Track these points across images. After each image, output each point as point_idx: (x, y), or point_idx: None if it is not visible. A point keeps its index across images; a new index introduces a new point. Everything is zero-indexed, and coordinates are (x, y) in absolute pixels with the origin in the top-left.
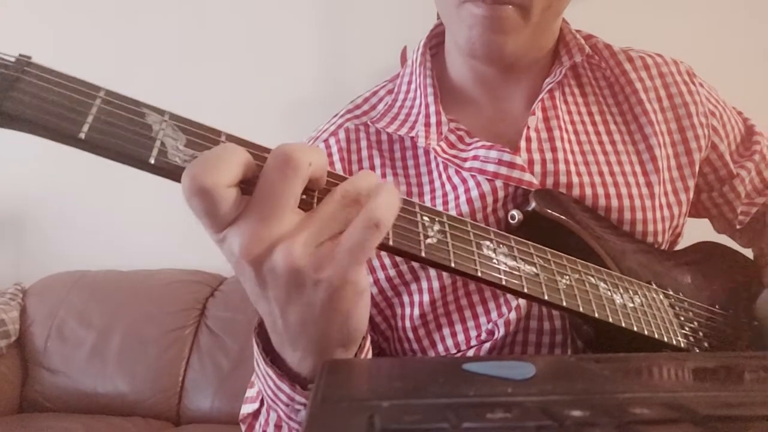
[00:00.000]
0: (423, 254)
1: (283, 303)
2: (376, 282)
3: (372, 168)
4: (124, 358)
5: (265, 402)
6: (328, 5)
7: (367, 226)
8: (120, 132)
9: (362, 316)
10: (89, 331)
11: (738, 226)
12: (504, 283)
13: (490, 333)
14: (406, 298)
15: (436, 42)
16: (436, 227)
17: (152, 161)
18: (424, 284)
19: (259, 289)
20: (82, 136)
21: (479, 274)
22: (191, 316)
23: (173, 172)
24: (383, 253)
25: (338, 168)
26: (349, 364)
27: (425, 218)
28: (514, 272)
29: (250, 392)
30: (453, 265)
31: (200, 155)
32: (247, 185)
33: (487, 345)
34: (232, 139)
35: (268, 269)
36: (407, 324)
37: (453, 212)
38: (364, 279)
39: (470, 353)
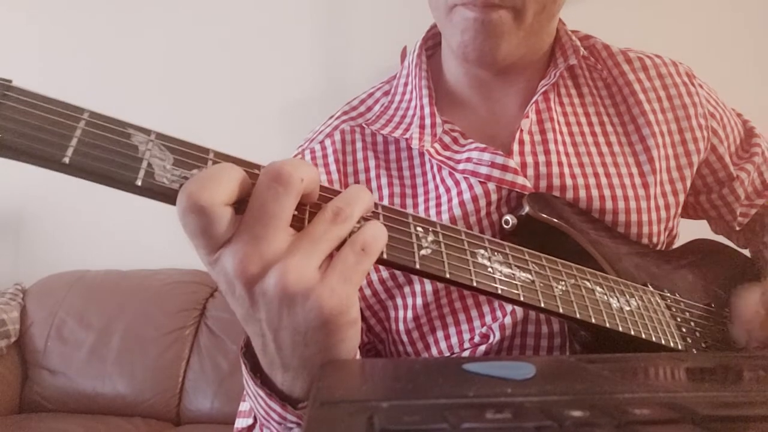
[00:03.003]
0: (418, 266)
1: (275, 325)
2: (370, 284)
3: (367, 170)
4: (124, 359)
5: (258, 419)
6: (328, 5)
7: (356, 252)
8: (105, 155)
9: (353, 342)
10: (89, 331)
11: (737, 228)
12: (500, 292)
13: (485, 336)
14: (399, 301)
15: (432, 43)
16: (430, 237)
17: (139, 183)
18: (417, 287)
19: (251, 311)
20: (66, 160)
21: (475, 284)
22: (191, 316)
23: (162, 193)
24: None
25: (333, 170)
26: (348, 365)
27: (419, 229)
28: (510, 280)
29: (243, 406)
30: (448, 276)
31: (195, 175)
32: (240, 205)
33: (482, 348)
34: (220, 156)
35: (260, 291)
36: (401, 327)
37: (446, 215)
38: (355, 308)
39: (465, 356)
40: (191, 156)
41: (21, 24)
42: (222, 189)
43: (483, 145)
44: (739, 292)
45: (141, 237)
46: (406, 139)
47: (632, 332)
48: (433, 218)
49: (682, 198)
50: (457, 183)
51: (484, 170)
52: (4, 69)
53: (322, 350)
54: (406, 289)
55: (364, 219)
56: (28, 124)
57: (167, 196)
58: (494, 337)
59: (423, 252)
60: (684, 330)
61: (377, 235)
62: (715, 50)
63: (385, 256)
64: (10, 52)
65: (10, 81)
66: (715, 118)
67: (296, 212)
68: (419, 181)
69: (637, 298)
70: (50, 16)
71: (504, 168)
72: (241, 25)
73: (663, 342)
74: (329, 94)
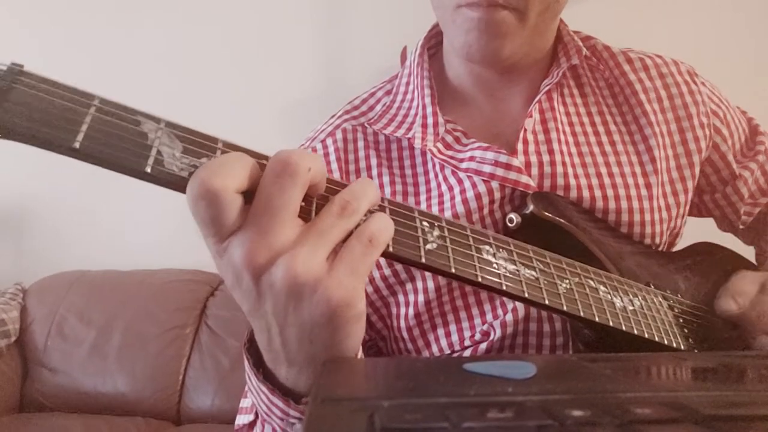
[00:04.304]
0: (423, 260)
1: (281, 319)
2: (372, 280)
3: (368, 169)
4: (125, 358)
5: (259, 415)
6: (328, 5)
7: (363, 244)
8: (115, 141)
9: (358, 338)
10: (89, 330)
11: (741, 227)
12: (504, 288)
13: (485, 334)
14: (401, 298)
15: (434, 42)
16: (436, 232)
17: (148, 170)
18: (419, 284)
19: (257, 304)
20: (77, 145)
21: (479, 280)
22: (192, 315)
23: (170, 181)
24: None
25: (335, 168)
26: (349, 363)
27: (424, 223)
28: (515, 277)
29: (245, 402)
30: (453, 270)
31: (206, 162)
32: (250, 195)
33: (483, 346)
34: (229, 145)
35: (268, 283)
36: (402, 324)
37: (449, 212)
38: (362, 301)
39: (466, 354)
40: (200, 145)
41: (21, 24)
42: (233, 176)
43: (486, 144)
44: (736, 277)
45: (141, 236)
46: (409, 139)
47: (635, 332)
48: None
49: (684, 198)
50: (459, 181)
51: (487, 169)
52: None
53: (327, 345)
54: (408, 286)
55: (371, 212)
56: (40, 108)
57: (176, 184)
58: (495, 334)
59: (429, 246)
60: (686, 330)
61: (384, 227)
62: (716, 50)
63: (391, 249)
64: (10, 52)
65: (22, 66)
66: (718, 116)
67: (303, 204)
68: (421, 180)
69: (640, 297)
70: (50, 15)
71: (507, 167)
72: (241, 25)
73: (666, 342)
74: (329, 94)
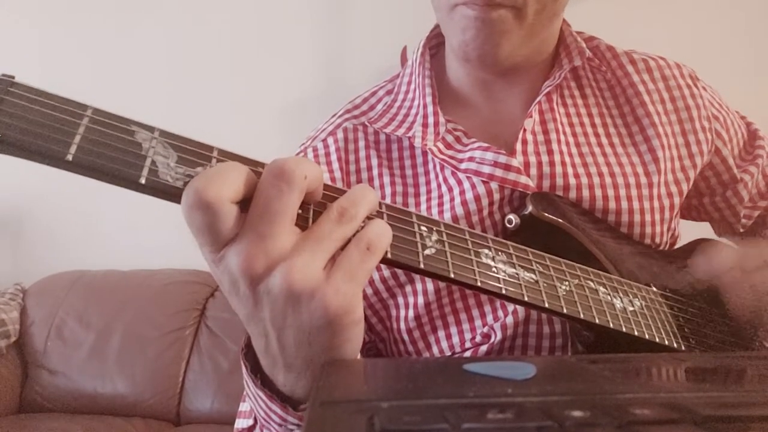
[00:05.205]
0: (422, 266)
1: (279, 324)
2: (371, 283)
3: (369, 169)
4: (124, 359)
5: (258, 420)
6: (327, 5)
7: (361, 251)
8: (108, 152)
9: (357, 342)
10: (89, 331)
11: (740, 230)
12: (504, 292)
13: (486, 336)
14: (401, 300)
15: (436, 42)
16: (434, 237)
17: (143, 181)
18: (419, 286)
19: (254, 310)
20: (69, 158)
21: (479, 284)
22: (191, 316)
23: (165, 192)
24: None
25: (336, 167)
26: (348, 365)
27: (423, 228)
28: (514, 280)
29: (244, 406)
30: (452, 275)
31: (201, 172)
32: (246, 203)
33: (484, 348)
34: (224, 154)
35: (265, 290)
36: (402, 326)
37: (448, 214)
38: (359, 307)
39: (466, 356)
40: (195, 154)
41: (21, 25)
42: (228, 186)
43: (486, 145)
44: (710, 252)
45: (141, 237)
46: (409, 138)
47: (636, 333)
48: (436, 217)
49: (682, 199)
50: (459, 182)
51: (486, 169)
52: (4, 70)
53: (325, 350)
54: (408, 288)
55: (368, 218)
56: (32, 120)
57: (171, 194)
58: (495, 336)
59: (427, 251)
60: (687, 330)
61: (382, 234)
62: (716, 50)
63: (389, 255)
64: (10, 52)
65: (13, 77)
66: (719, 120)
67: (300, 211)
68: (421, 180)
69: (640, 298)
70: (50, 16)
71: (507, 167)
72: (241, 25)
73: (666, 342)
74: (329, 94)
